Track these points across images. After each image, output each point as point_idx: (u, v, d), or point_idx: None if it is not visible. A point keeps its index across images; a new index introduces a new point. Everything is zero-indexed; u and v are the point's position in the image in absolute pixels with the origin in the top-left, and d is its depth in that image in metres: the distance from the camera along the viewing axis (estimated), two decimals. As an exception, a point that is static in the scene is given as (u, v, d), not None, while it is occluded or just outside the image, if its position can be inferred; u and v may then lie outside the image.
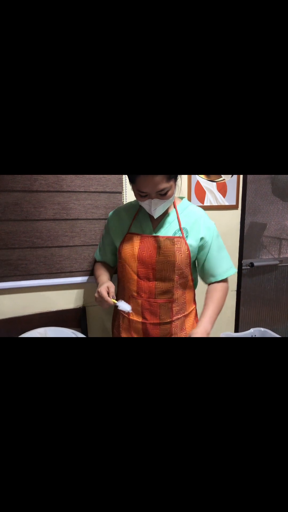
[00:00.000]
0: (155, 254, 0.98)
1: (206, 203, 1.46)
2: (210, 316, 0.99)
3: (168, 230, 1.01)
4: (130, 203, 1.12)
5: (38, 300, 1.30)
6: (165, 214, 1.03)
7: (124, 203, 1.33)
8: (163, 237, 0.99)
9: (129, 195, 1.33)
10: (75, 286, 1.34)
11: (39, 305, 1.30)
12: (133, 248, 1.00)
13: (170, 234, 1.00)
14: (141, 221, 1.04)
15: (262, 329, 1.15)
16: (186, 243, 0.99)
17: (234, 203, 1.53)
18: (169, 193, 0.92)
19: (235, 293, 1.69)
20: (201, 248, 1.03)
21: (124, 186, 1.31)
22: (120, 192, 1.31)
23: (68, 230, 1.26)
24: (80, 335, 0.86)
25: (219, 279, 1.07)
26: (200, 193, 1.44)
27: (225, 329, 1.71)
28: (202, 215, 1.05)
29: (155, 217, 0.98)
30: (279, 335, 1.10)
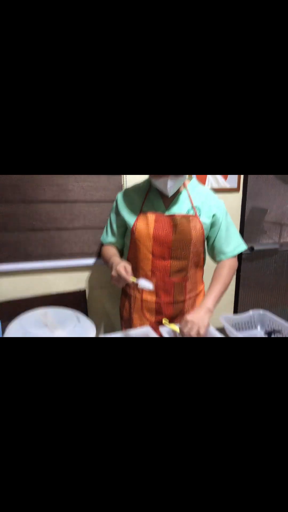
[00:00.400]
0: (171, 233, 0.98)
1: (207, 186, 1.44)
2: (215, 295, 0.99)
3: (181, 208, 1.01)
4: (137, 185, 1.10)
5: (39, 282, 1.31)
6: (177, 193, 1.03)
7: (124, 185, 1.31)
8: (179, 215, 0.99)
9: (128, 177, 1.31)
10: (75, 269, 1.34)
11: (40, 288, 1.31)
12: (148, 228, 1.00)
13: (183, 212, 1.00)
14: (153, 201, 1.03)
15: (261, 311, 1.16)
16: (199, 221, 1.00)
17: (235, 186, 1.51)
18: None
19: (234, 277, 1.69)
20: (212, 225, 1.04)
21: (123, 167, 1.29)
22: (119, 174, 1.29)
23: (67, 212, 1.25)
24: (81, 315, 0.87)
25: (230, 256, 1.07)
26: (202, 176, 1.42)
27: (224, 312, 1.73)
28: (211, 193, 1.07)
29: (170, 195, 0.98)
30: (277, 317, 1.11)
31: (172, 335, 0.97)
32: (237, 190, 1.52)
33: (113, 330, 1.51)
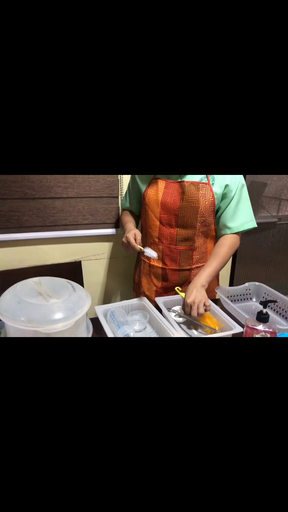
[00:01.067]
0: (179, 200, 0.98)
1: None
2: (209, 272, 0.98)
3: (194, 176, 0.98)
4: None
5: (33, 253, 1.28)
6: None
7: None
8: (188, 182, 0.97)
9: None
10: (70, 239, 1.31)
11: (35, 259, 1.29)
12: (157, 194, 1.00)
13: (196, 180, 0.97)
14: None
15: (256, 283, 1.16)
16: (211, 190, 0.97)
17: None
18: None
19: (231, 250, 1.68)
20: (223, 196, 0.99)
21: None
22: (116, 140, 1.23)
23: (60, 180, 1.20)
24: (76, 285, 0.86)
25: (234, 231, 1.03)
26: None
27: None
28: None
29: None
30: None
31: (171, 306, 0.98)
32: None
33: (109, 301, 1.52)
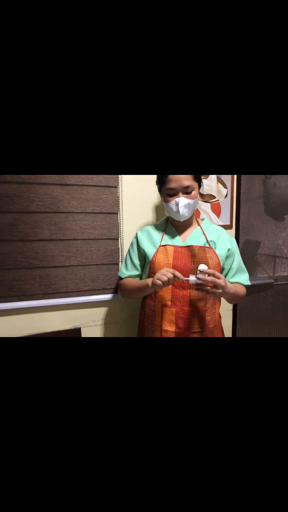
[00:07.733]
0: (190, 263, 1.04)
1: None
2: (231, 285, 1.00)
3: (197, 242, 1.08)
4: (156, 224, 1.19)
5: (34, 321, 1.28)
6: (192, 229, 1.12)
7: (120, 224, 1.34)
8: (196, 246, 1.05)
9: (125, 217, 1.35)
10: (70, 306, 1.33)
11: (35, 326, 1.28)
12: (168, 258, 1.05)
13: (200, 244, 1.07)
14: (170, 235, 1.11)
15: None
16: (215, 253, 1.07)
17: (228, 222, 1.56)
18: (194, 193, 1.01)
19: (231, 312, 1.69)
20: (228, 257, 1.12)
21: (120, 207, 1.33)
22: (116, 213, 1.33)
23: (64, 250, 1.27)
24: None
25: (244, 284, 1.15)
26: (195, 214, 1.46)
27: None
28: (224, 230, 1.16)
29: (181, 217, 1.04)
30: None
31: None
32: (230, 226, 1.57)
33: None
